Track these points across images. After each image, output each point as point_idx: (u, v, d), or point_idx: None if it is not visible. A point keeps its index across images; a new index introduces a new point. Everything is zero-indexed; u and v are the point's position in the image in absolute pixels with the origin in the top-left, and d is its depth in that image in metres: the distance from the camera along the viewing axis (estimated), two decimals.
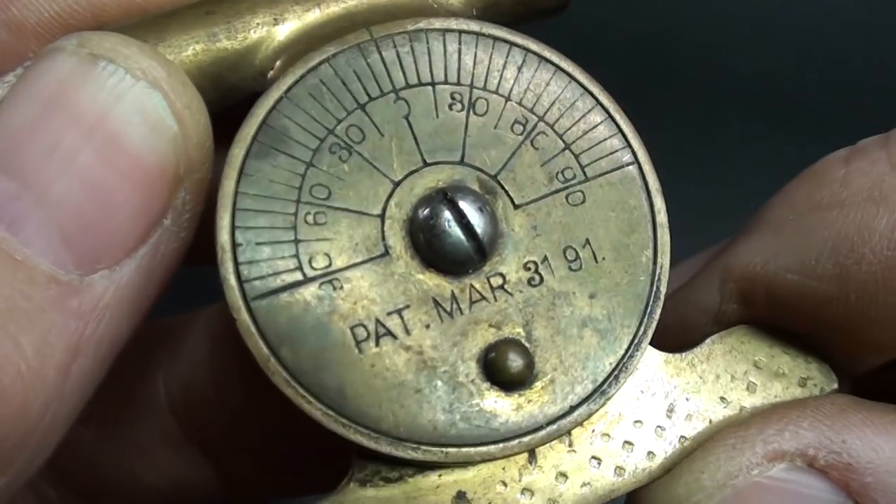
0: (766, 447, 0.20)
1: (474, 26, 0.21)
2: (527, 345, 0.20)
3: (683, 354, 0.22)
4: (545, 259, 0.20)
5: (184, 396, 0.29)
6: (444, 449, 0.19)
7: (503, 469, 0.20)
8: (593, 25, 0.66)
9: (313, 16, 0.21)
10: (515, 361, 0.20)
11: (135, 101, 0.18)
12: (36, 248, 0.18)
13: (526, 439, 0.20)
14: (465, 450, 0.19)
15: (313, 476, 0.23)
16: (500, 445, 0.20)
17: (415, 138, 0.20)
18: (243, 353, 0.19)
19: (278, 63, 0.21)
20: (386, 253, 0.20)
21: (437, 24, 0.21)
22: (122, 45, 0.19)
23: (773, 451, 0.20)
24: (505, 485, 0.20)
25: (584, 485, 0.21)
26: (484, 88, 0.21)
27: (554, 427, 0.20)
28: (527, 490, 0.20)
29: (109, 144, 0.18)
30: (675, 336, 0.23)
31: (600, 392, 0.20)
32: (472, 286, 0.20)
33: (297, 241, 0.19)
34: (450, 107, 0.21)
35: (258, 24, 0.21)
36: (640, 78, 0.66)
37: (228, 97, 0.21)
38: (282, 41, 0.21)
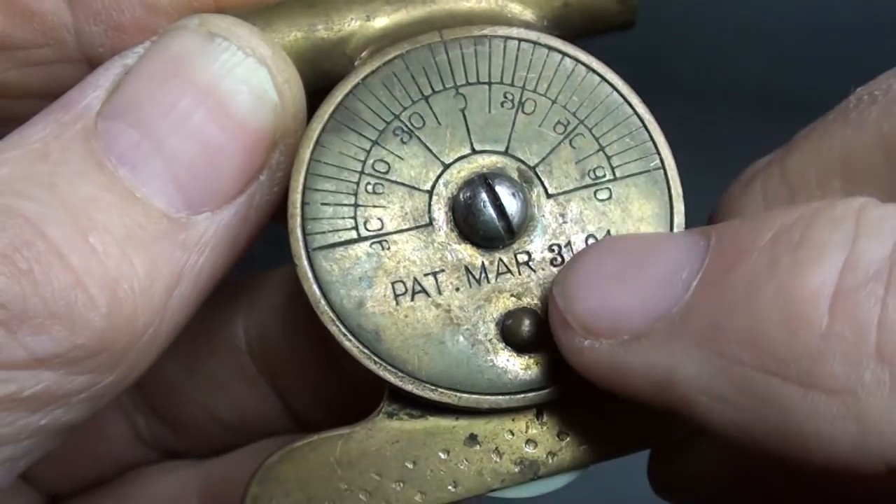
0: None
1: (532, 36, 0.23)
2: (541, 314, 0.23)
3: None
4: (568, 243, 0.23)
5: (259, 339, 0.32)
6: (458, 394, 0.23)
7: (513, 420, 0.23)
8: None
9: (400, 16, 0.24)
10: (529, 328, 0.23)
11: (243, 74, 0.21)
12: (152, 189, 0.21)
13: (530, 395, 0.23)
14: (475, 396, 0.23)
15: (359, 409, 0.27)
16: (507, 397, 0.23)
17: (467, 129, 0.23)
18: (302, 296, 0.23)
19: (364, 53, 0.24)
20: (430, 224, 0.23)
21: (501, 31, 0.23)
22: (236, 26, 0.22)
23: None
24: (512, 434, 0.24)
25: (581, 444, 0.24)
26: (534, 91, 0.23)
27: (556, 388, 0.23)
28: (531, 441, 0.24)
29: (219, 108, 0.21)
30: None
31: None
32: (500, 259, 0.23)
33: (356, 206, 0.23)
34: (501, 104, 0.23)
35: (352, 18, 0.24)
36: (640, 79, 0.67)
37: (322, 80, 0.24)
38: (370, 36, 0.24)
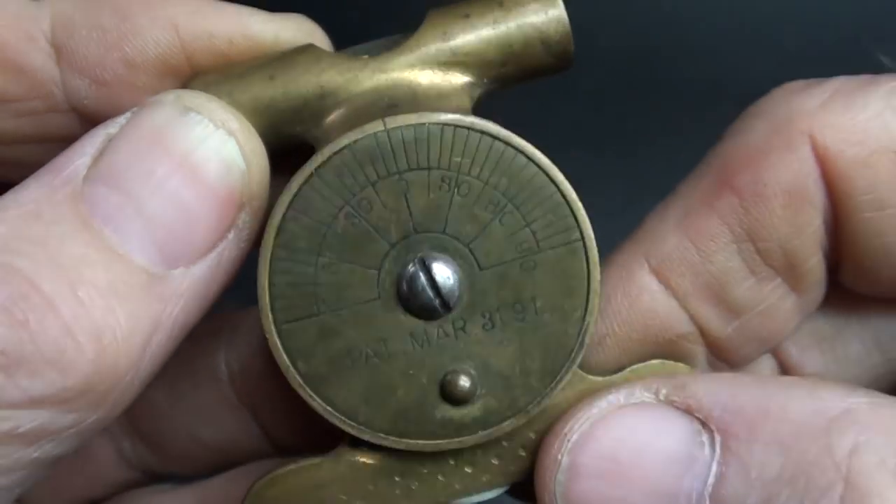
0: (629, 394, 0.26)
1: (467, 121, 0.26)
2: (474, 373, 0.27)
3: (603, 378, 0.28)
4: (498, 310, 0.26)
5: (240, 372, 0.35)
6: (405, 440, 0.27)
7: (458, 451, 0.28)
8: (592, 31, 0.69)
9: (351, 86, 0.27)
10: (464, 385, 0.26)
11: (214, 145, 0.24)
12: (133, 246, 0.23)
13: (466, 439, 0.27)
14: (421, 442, 0.27)
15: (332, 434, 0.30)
16: (447, 441, 0.27)
17: (409, 211, 0.26)
18: (271, 358, 0.26)
19: (327, 120, 0.27)
20: (378, 297, 0.26)
21: (438, 118, 0.26)
22: (208, 101, 0.25)
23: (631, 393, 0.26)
24: (454, 462, 0.28)
25: (504, 468, 0.29)
26: (468, 174, 0.26)
27: (488, 432, 0.27)
28: (468, 465, 0.29)
29: (193, 175, 0.24)
30: None
31: (524, 412, 0.27)
32: (440, 327, 0.26)
33: (315, 284, 0.26)
34: (439, 187, 0.26)
35: (307, 91, 0.27)
36: (640, 81, 0.68)
37: (284, 142, 0.27)
38: (326, 105, 0.27)
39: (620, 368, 0.28)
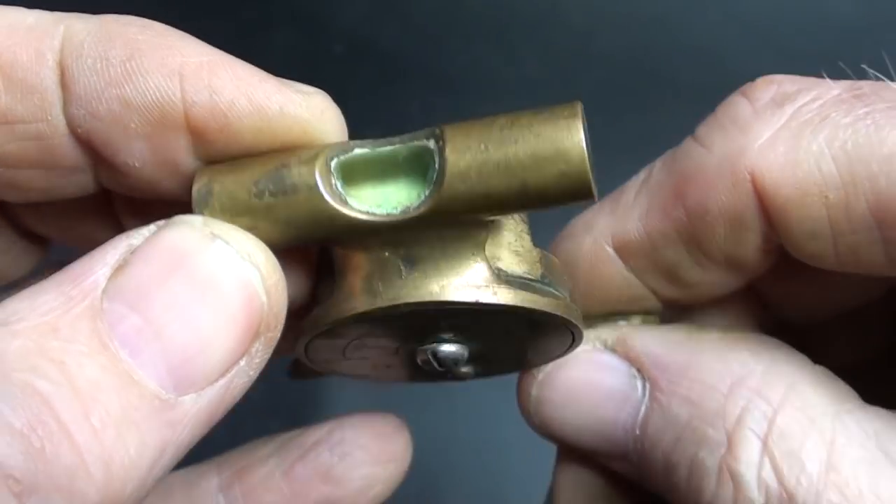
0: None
1: (483, 302, 0.27)
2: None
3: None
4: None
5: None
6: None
7: None
8: (592, 31, 0.69)
9: (364, 242, 0.27)
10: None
11: (239, 275, 0.24)
12: (148, 372, 0.23)
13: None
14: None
15: None
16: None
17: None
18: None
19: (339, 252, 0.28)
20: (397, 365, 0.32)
21: (456, 297, 0.26)
22: (235, 231, 0.25)
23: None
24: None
25: None
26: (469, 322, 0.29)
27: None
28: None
29: (215, 304, 0.24)
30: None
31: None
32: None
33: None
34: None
35: (317, 236, 0.27)
36: (640, 81, 0.69)
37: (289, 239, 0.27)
38: (339, 241, 0.28)
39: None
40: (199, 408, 0.24)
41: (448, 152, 0.25)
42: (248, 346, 0.25)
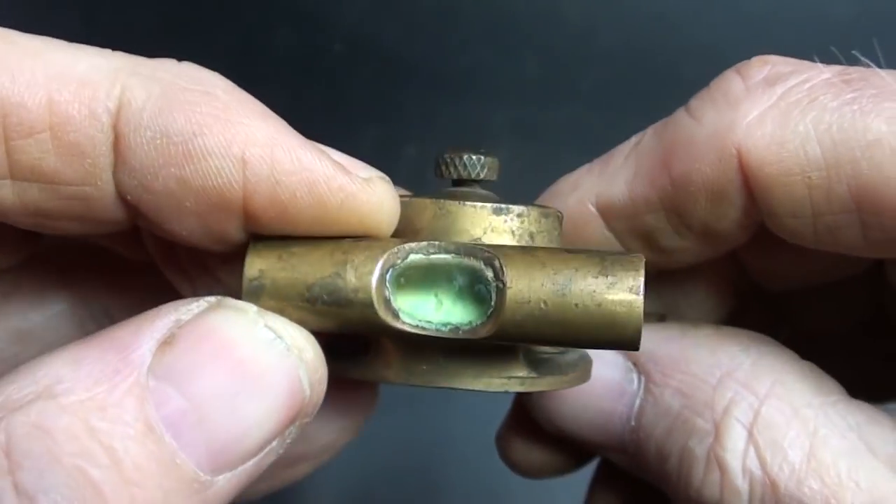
0: None
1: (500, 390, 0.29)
2: None
3: None
4: None
5: None
6: None
7: None
8: (592, 31, 0.69)
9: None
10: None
11: (286, 369, 0.25)
12: (189, 454, 0.23)
13: None
14: None
15: None
16: None
17: None
18: None
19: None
20: None
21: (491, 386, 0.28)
22: (286, 325, 0.25)
23: None
24: None
25: None
26: None
27: None
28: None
29: (260, 395, 0.24)
30: None
31: None
32: None
33: None
34: None
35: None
36: (640, 81, 0.69)
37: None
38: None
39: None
40: (231, 485, 0.24)
41: (507, 297, 0.26)
42: (284, 430, 0.25)
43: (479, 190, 0.31)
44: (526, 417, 0.36)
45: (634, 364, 0.32)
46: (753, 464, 0.28)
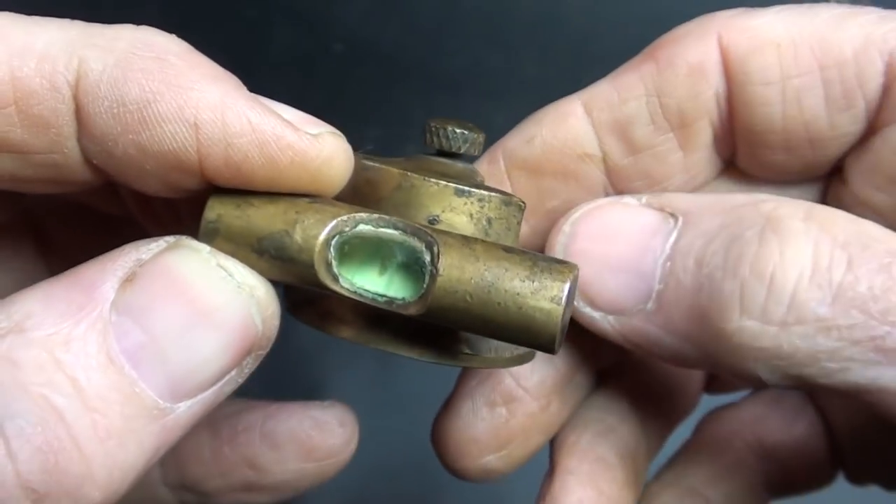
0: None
1: None
2: None
3: None
4: None
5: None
6: None
7: None
8: (592, 31, 0.69)
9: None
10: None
11: (239, 304, 0.26)
12: (148, 384, 0.25)
13: None
14: None
15: None
16: None
17: None
18: None
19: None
20: None
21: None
22: (237, 265, 0.27)
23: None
24: None
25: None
26: None
27: None
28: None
29: (214, 329, 0.26)
30: None
31: None
32: None
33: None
34: None
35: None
36: None
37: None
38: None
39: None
40: (191, 412, 0.26)
41: (438, 283, 0.27)
42: (240, 362, 0.27)
43: (458, 163, 0.31)
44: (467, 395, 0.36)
45: (671, 214, 0.32)
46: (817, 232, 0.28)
